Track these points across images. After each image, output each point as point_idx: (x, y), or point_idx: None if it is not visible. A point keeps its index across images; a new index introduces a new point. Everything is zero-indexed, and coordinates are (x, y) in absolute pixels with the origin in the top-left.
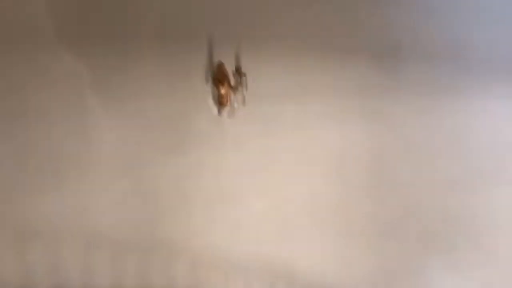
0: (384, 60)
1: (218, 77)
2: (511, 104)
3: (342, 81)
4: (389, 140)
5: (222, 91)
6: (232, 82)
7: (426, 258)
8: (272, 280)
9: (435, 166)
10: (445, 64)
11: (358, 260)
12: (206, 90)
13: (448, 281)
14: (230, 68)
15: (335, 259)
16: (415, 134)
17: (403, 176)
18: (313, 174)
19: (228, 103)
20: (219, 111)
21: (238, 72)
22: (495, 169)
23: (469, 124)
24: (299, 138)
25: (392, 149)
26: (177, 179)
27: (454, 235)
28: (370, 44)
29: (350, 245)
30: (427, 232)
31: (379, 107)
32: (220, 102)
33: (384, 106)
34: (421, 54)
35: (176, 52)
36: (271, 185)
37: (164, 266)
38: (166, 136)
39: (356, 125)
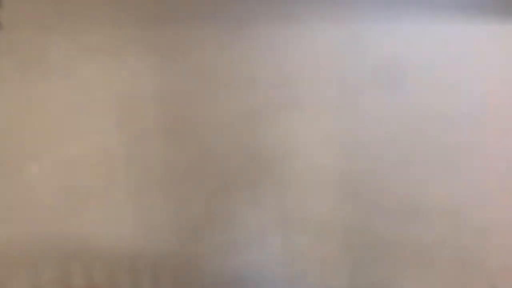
0: None
1: None
2: (319, 32)
3: (121, 9)
4: (179, 75)
5: None
6: None
7: (230, 197)
8: (66, 261)
9: (230, 100)
10: None
11: (162, 214)
12: None
13: (251, 216)
14: None
15: (136, 219)
16: (207, 67)
17: (197, 115)
18: (96, 123)
19: None
20: None
21: None
22: (288, 98)
23: (260, 53)
24: (73, 80)
25: (184, 85)
26: None
27: (254, 170)
28: None
29: (152, 200)
30: (228, 171)
31: (166, 39)
32: None
33: (170, 38)
34: None
35: None
36: (44, 144)
37: None
38: None
39: (140, 60)
